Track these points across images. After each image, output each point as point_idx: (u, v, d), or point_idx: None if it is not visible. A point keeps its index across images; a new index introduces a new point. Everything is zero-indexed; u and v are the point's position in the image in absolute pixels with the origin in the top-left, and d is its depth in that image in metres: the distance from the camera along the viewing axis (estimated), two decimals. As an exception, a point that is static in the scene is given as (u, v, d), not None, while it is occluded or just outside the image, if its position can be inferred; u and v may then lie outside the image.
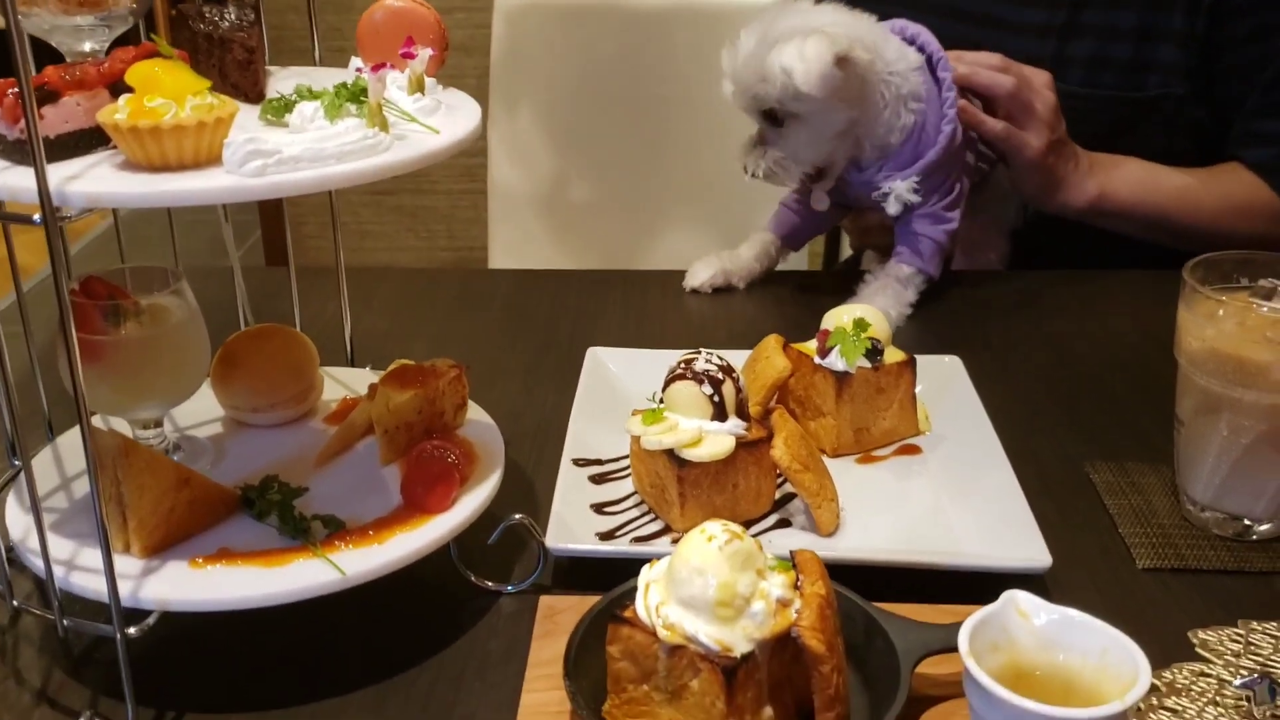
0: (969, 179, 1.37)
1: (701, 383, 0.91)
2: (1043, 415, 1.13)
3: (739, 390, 0.93)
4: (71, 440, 0.93)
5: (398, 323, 1.33)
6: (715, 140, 1.73)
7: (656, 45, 1.91)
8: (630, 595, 0.74)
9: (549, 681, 0.76)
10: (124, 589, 0.75)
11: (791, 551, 0.75)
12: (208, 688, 0.80)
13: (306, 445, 0.94)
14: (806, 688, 0.71)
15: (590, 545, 0.90)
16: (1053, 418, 1.12)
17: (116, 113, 0.70)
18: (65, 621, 0.77)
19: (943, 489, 0.98)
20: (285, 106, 0.79)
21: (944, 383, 1.10)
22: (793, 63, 1.16)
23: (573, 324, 1.33)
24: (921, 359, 1.07)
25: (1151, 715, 0.76)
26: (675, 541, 0.89)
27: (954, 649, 0.68)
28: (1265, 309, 0.88)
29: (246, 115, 0.80)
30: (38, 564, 0.77)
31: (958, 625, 0.69)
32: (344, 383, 1.04)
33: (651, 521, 0.94)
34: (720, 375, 0.92)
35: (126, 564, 0.79)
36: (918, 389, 1.05)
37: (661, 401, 0.94)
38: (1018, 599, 0.70)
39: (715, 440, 0.91)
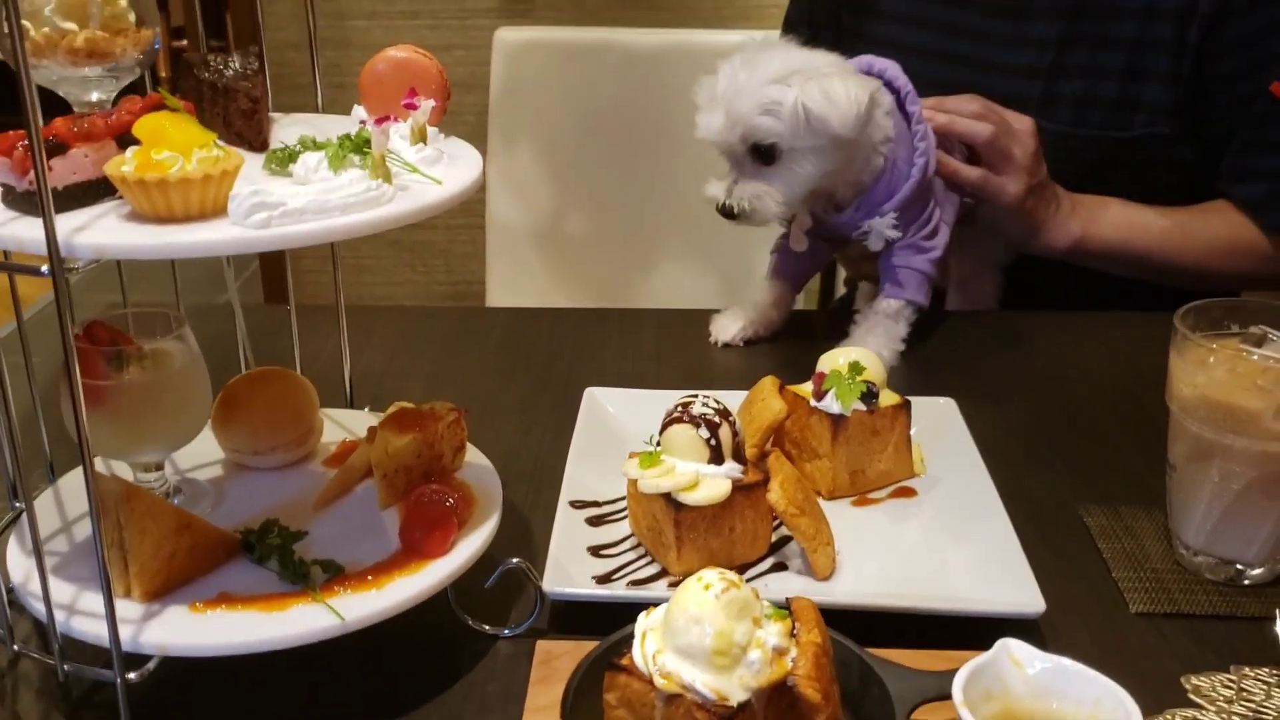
0: (954, 209, 1.38)
1: (699, 426, 0.92)
2: (1036, 457, 1.14)
3: (735, 434, 0.94)
4: (72, 483, 0.94)
5: (395, 361, 1.34)
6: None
7: (653, 83, 1.93)
8: (626, 641, 0.74)
9: (546, 727, 0.77)
10: (125, 634, 0.75)
11: (788, 599, 0.75)
12: (206, 732, 0.81)
13: (306, 488, 0.95)
14: (803, 735, 0.71)
15: (587, 589, 0.90)
16: (1046, 459, 1.13)
17: (124, 165, 0.72)
18: (66, 666, 0.78)
19: (937, 533, 0.99)
20: (290, 157, 0.80)
21: (938, 425, 1.11)
22: (823, 102, 1.17)
23: (569, 362, 1.33)
24: (916, 401, 1.08)
25: (1144, 762, 0.76)
26: (672, 585, 0.90)
27: (949, 697, 0.69)
28: (1256, 356, 0.89)
29: (251, 164, 0.81)
30: (39, 608, 0.78)
31: (952, 673, 0.70)
32: (343, 424, 1.05)
33: (649, 564, 0.94)
34: (717, 419, 0.93)
35: (127, 608, 0.79)
36: (912, 431, 1.06)
37: (659, 444, 0.94)
38: (1011, 648, 0.71)
39: (712, 484, 0.91)
